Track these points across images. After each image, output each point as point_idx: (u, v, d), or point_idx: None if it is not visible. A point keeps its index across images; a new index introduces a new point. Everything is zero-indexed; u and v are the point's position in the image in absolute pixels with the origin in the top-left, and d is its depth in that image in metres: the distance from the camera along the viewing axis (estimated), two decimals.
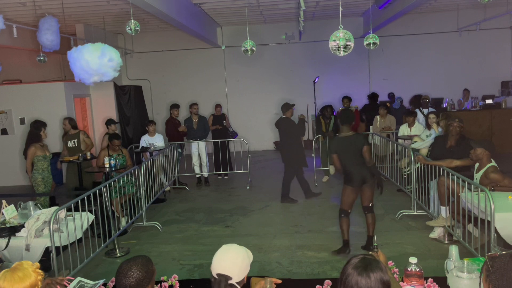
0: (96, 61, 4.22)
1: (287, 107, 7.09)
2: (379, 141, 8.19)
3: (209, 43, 12.08)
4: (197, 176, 9.00)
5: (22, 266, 2.06)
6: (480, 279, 1.80)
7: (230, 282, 2.05)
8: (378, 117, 8.61)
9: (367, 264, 1.70)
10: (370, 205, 4.89)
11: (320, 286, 2.60)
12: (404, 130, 7.56)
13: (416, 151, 6.34)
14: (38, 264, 2.14)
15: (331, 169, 8.34)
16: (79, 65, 4.32)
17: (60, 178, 9.10)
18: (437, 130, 6.73)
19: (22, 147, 7.35)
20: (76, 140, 7.60)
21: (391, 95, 11.56)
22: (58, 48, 6.78)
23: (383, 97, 11.59)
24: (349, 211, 4.88)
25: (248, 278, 2.78)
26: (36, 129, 6.49)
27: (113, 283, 2.89)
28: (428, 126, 6.95)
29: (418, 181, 6.01)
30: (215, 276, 2.08)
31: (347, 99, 9.30)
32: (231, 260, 2.09)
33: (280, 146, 7.54)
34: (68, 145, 7.56)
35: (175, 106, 8.90)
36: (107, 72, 4.29)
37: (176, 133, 8.74)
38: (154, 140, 7.99)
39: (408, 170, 6.54)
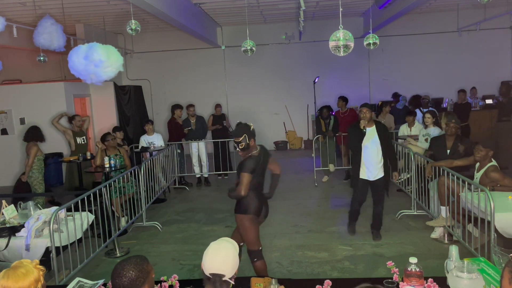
0: (82, 62, 4.22)
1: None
2: None
3: (209, 43, 12.07)
4: (197, 176, 9.00)
5: (22, 264, 2.06)
6: (501, 285, 1.80)
7: (223, 279, 2.13)
8: (381, 115, 8.72)
9: None
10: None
11: (320, 286, 2.60)
12: (404, 130, 7.57)
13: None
14: (37, 260, 2.14)
15: (331, 167, 8.35)
16: (69, 66, 4.35)
17: (61, 178, 9.10)
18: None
19: (22, 147, 7.36)
20: (84, 137, 7.64)
21: (395, 95, 11.42)
22: (52, 48, 6.75)
23: (382, 97, 11.59)
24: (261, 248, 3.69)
25: (248, 278, 2.79)
26: (39, 131, 6.67)
27: None
28: (425, 126, 6.94)
29: (418, 181, 6.02)
30: (209, 276, 2.14)
31: (341, 99, 8.62)
32: (223, 260, 2.14)
33: None
34: (77, 142, 7.61)
35: (178, 107, 8.87)
36: (97, 72, 4.27)
37: (181, 134, 8.72)
38: (153, 139, 8.01)
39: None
